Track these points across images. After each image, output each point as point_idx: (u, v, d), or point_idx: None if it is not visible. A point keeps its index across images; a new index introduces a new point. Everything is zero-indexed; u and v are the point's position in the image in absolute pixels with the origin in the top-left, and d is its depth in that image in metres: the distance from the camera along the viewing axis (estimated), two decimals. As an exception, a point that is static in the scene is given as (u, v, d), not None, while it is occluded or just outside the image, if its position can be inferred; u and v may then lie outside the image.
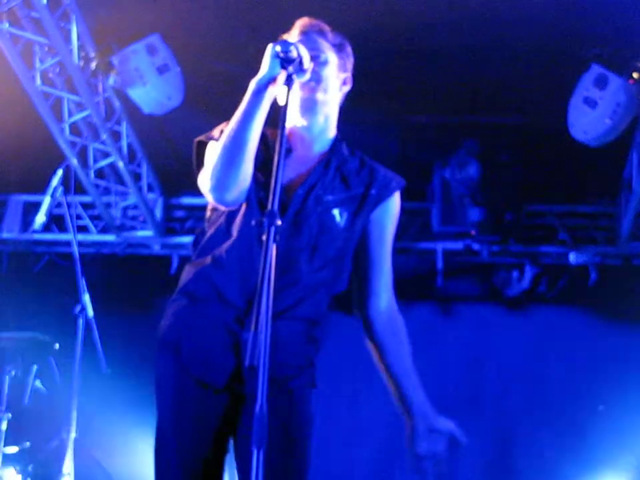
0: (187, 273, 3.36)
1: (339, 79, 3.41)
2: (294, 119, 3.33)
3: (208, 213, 3.44)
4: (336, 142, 3.41)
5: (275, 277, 2.66)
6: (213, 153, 3.15)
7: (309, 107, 3.31)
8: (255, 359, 2.45)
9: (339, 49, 3.40)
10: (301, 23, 3.39)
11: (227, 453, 3.27)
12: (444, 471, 3.22)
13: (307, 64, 3.12)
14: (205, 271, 3.28)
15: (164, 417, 3.26)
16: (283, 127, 2.86)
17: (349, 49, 3.45)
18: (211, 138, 3.34)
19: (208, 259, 3.28)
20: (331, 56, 3.36)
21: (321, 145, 3.35)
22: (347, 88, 3.46)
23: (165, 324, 3.33)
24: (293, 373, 3.27)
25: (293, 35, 3.36)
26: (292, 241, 3.19)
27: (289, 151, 3.32)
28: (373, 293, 3.53)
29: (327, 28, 3.40)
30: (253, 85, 3.13)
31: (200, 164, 3.36)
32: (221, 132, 3.31)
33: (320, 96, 3.32)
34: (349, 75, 3.45)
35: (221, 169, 3.09)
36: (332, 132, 3.40)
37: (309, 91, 3.27)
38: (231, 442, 3.28)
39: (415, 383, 3.63)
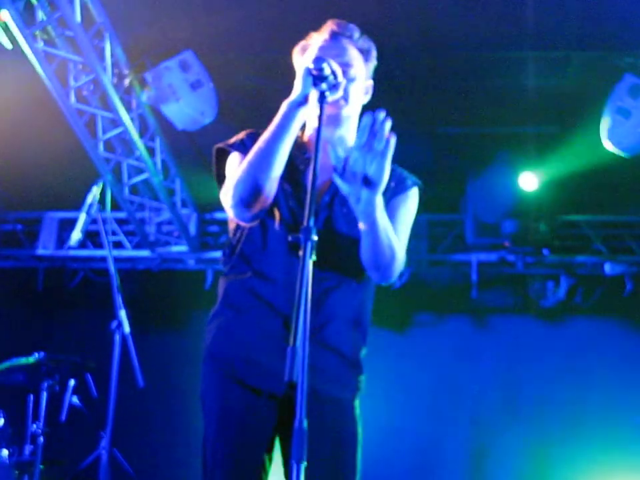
0: (227, 286, 3.37)
1: (364, 90, 3.43)
2: (315, 129, 3.32)
3: (232, 225, 3.44)
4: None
5: (315, 285, 2.68)
6: (239, 169, 3.16)
7: (334, 121, 3.33)
8: (294, 374, 2.45)
9: (366, 55, 3.40)
10: (330, 25, 3.39)
11: (272, 462, 3.27)
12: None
13: (340, 78, 3.13)
14: (247, 283, 3.30)
15: (214, 428, 3.25)
16: (317, 150, 2.86)
17: (374, 53, 3.45)
18: (231, 147, 3.36)
19: (248, 273, 3.30)
20: (359, 66, 3.36)
21: (344, 151, 3.35)
22: (369, 97, 3.47)
23: (212, 338, 3.34)
24: (341, 381, 3.30)
25: (322, 37, 3.37)
26: (325, 245, 3.20)
27: (308, 160, 3.34)
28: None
29: (356, 31, 3.40)
30: (284, 107, 3.14)
31: (219, 173, 3.40)
32: (241, 142, 3.36)
33: (346, 111, 3.34)
34: (371, 83, 3.46)
35: (245, 187, 3.11)
36: (353, 138, 3.39)
37: (337, 108, 3.28)
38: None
39: None
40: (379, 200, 3.06)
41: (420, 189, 3.52)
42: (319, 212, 3.28)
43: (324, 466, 3.17)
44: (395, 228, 3.30)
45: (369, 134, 2.97)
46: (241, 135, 3.42)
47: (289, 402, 3.11)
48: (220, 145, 3.43)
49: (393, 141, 2.97)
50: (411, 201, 3.49)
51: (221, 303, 3.38)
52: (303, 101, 3.10)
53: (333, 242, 3.27)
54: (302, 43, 3.43)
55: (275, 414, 3.23)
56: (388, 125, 2.95)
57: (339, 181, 3.02)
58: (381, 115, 2.95)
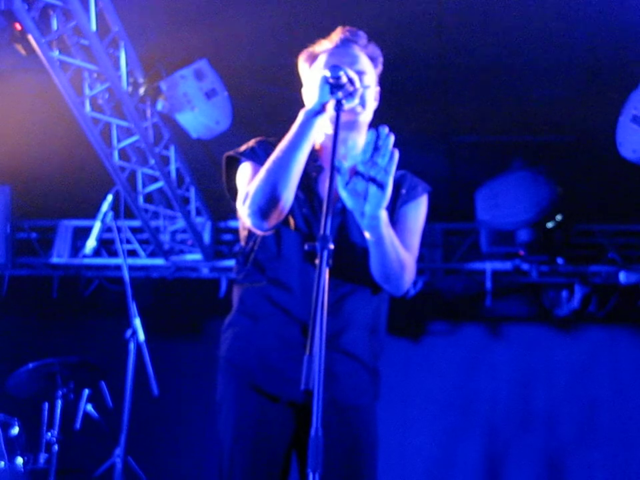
0: (242, 294, 3.38)
1: (375, 96, 3.45)
2: (328, 136, 3.34)
3: (244, 233, 3.45)
4: None
5: (330, 291, 2.74)
6: (256, 179, 3.17)
7: (349, 127, 3.34)
8: (310, 382, 2.46)
9: (374, 62, 3.44)
10: (340, 32, 3.41)
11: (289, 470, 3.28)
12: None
13: (358, 85, 3.15)
14: (263, 291, 3.31)
15: (231, 436, 3.24)
16: (334, 158, 2.87)
17: (381, 59, 3.48)
18: (242, 155, 3.37)
19: (263, 281, 3.31)
20: (370, 73, 3.39)
21: (353, 158, 3.34)
22: (377, 103, 3.48)
23: (229, 346, 3.35)
24: (360, 388, 3.31)
25: (332, 44, 3.39)
26: (339, 252, 3.20)
27: (320, 168, 3.39)
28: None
29: (365, 38, 3.42)
30: (302, 116, 3.16)
31: (229, 181, 3.42)
32: (251, 150, 3.38)
33: (361, 117, 3.36)
34: (379, 89, 3.48)
35: (263, 197, 3.11)
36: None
37: (354, 114, 3.30)
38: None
39: None
40: (383, 214, 3.07)
41: (430, 195, 3.53)
42: (332, 219, 3.28)
43: (342, 473, 3.18)
44: (405, 237, 3.33)
45: (373, 149, 2.99)
46: (251, 143, 3.43)
47: (307, 410, 3.12)
48: (230, 153, 3.45)
49: (396, 156, 2.98)
50: (421, 209, 3.50)
51: (237, 311, 3.39)
52: (320, 109, 3.13)
53: (346, 248, 3.29)
54: (309, 51, 3.45)
55: (293, 421, 3.24)
56: (391, 140, 2.97)
57: (343, 195, 3.03)
58: (385, 130, 2.98)
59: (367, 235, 3.12)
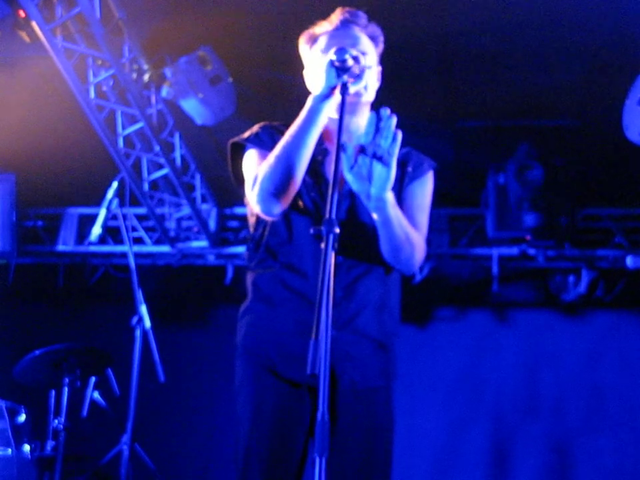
0: (256, 280, 3.38)
1: (377, 76, 3.44)
2: (332, 119, 3.31)
3: (253, 220, 3.45)
4: None
5: (344, 273, 2.84)
6: (265, 164, 3.17)
7: (353, 109, 3.33)
8: (316, 367, 2.45)
9: (375, 41, 3.43)
10: (340, 13, 3.40)
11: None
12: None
13: (364, 62, 3.17)
14: (277, 276, 3.31)
15: (249, 422, 3.23)
16: (339, 140, 2.87)
17: (382, 38, 3.46)
18: (247, 141, 3.37)
19: (276, 266, 3.32)
20: (371, 53, 3.38)
21: (357, 140, 3.33)
22: (379, 83, 3.47)
23: (245, 332, 3.35)
24: (377, 369, 3.32)
25: (332, 25, 3.38)
26: (350, 233, 3.19)
27: (326, 151, 3.39)
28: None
29: (364, 18, 3.41)
30: (310, 102, 3.17)
31: (235, 168, 3.42)
32: (256, 135, 3.38)
33: (364, 98, 3.35)
34: (380, 68, 3.47)
35: (274, 181, 3.12)
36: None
37: (357, 96, 3.29)
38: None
39: None
40: (389, 196, 3.08)
41: (435, 171, 3.52)
42: (341, 201, 3.30)
43: (358, 455, 3.20)
44: (414, 215, 3.35)
45: (375, 131, 2.98)
46: (255, 129, 3.43)
47: (336, 398, 3.16)
48: (235, 139, 3.45)
49: (399, 137, 2.99)
50: (428, 186, 3.49)
51: (253, 297, 3.38)
52: (328, 93, 3.13)
53: (357, 230, 3.30)
54: (309, 32, 3.44)
55: (311, 406, 3.22)
56: (393, 121, 2.97)
57: (349, 177, 3.03)
58: (386, 111, 2.97)
59: (374, 216, 3.12)
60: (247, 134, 3.42)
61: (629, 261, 8.80)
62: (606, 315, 9.24)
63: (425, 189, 3.46)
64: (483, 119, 7.92)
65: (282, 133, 3.25)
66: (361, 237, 3.29)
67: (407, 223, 3.20)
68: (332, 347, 2.89)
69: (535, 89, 7.42)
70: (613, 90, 7.06)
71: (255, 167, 3.27)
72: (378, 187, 3.02)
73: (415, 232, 3.25)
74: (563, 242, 8.68)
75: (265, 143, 3.33)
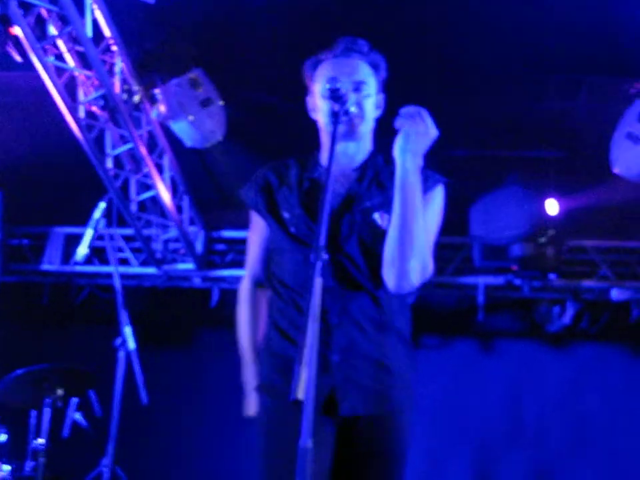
0: (270, 308, 3.43)
1: (376, 104, 3.43)
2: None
3: None
4: (370, 156, 3.43)
5: (337, 299, 3.01)
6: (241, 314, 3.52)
7: (349, 136, 3.32)
8: (301, 392, 2.43)
9: (377, 69, 3.42)
10: (341, 42, 3.40)
11: None
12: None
13: (355, 97, 3.20)
14: (286, 303, 3.32)
15: (264, 449, 3.23)
16: (330, 168, 2.88)
17: (384, 65, 3.46)
18: (246, 203, 3.49)
19: (284, 294, 3.33)
20: (371, 82, 3.38)
21: (356, 163, 3.38)
22: (380, 110, 3.47)
23: (262, 363, 3.38)
24: (381, 396, 3.27)
25: (333, 54, 3.39)
26: (341, 259, 3.22)
27: (316, 180, 3.40)
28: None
29: (366, 46, 3.41)
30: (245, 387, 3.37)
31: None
32: (255, 194, 3.47)
33: (360, 127, 3.35)
34: (382, 96, 3.47)
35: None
36: (367, 149, 3.44)
37: (351, 125, 3.29)
38: None
39: None
40: (412, 165, 3.23)
41: (446, 185, 3.48)
42: (339, 228, 3.27)
43: None
44: None
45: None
46: (253, 183, 3.48)
47: (349, 424, 3.16)
48: (241, 194, 3.52)
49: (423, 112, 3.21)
50: (436, 201, 3.42)
51: (268, 325, 3.40)
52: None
53: (348, 255, 3.27)
54: (312, 59, 3.45)
55: (334, 437, 3.20)
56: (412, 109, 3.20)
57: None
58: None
59: (396, 195, 3.19)
60: (247, 189, 3.50)
61: (614, 293, 8.82)
62: (590, 347, 9.25)
63: (432, 205, 3.37)
64: (470, 148, 7.94)
65: (279, 172, 3.39)
66: (351, 263, 3.27)
67: (423, 229, 3.18)
68: (334, 373, 2.89)
69: (522, 119, 7.44)
70: (602, 122, 7.08)
71: (251, 244, 3.51)
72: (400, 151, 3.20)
73: (422, 244, 3.18)
74: (549, 273, 8.69)
75: (258, 204, 3.43)
